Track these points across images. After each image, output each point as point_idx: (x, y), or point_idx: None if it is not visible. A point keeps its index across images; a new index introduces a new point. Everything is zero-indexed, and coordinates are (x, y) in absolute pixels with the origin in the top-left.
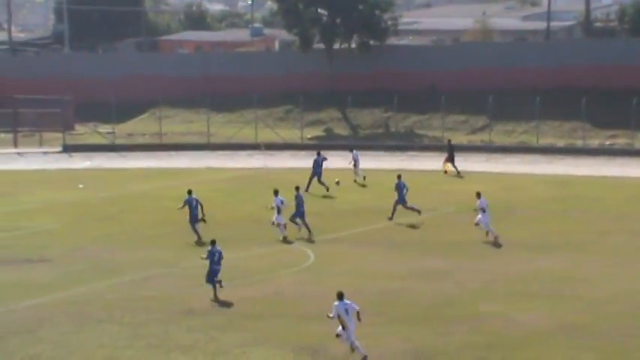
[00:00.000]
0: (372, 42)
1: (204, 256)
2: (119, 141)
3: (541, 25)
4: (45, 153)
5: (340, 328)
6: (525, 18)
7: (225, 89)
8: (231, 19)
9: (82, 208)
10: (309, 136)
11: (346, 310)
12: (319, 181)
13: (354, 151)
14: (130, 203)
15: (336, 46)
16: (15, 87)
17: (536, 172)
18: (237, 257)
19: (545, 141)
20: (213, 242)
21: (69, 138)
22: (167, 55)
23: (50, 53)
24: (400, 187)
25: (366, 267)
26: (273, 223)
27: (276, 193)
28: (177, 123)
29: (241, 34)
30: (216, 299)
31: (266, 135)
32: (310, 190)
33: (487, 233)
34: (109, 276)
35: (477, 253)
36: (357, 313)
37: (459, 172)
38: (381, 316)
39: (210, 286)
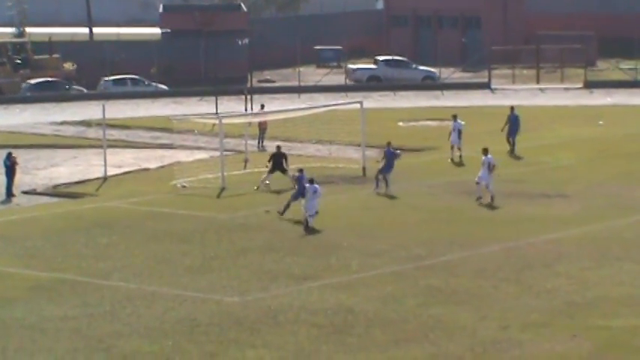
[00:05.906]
0: None
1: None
2: None
3: None
4: (566, 89)
5: (479, 175)
6: None
7: None
8: None
9: (601, 144)
10: None
11: (488, 164)
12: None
13: None
14: None
15: None
16: (539, 23)
17: None
18: None
19: None
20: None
21: (590, 74)
22: None
23: None
24: None
25: None
26: None
27: None
28: None
29: None
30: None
31: None
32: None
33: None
34: (629, 213)
35: None
36: (494, 166)
37: None
38: None
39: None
